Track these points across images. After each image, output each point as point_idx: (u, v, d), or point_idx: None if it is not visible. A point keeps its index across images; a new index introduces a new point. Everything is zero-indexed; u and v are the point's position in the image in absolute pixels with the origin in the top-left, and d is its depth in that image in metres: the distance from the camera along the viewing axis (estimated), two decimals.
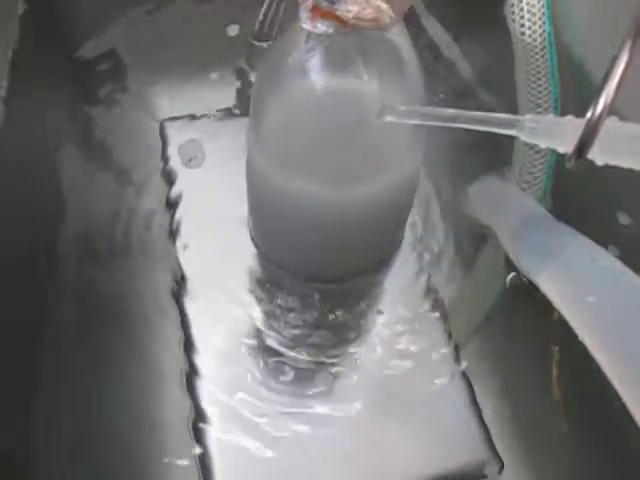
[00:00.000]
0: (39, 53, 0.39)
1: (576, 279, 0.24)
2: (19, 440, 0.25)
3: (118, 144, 0.36)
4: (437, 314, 0.30)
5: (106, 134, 0.37)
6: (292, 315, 0.30)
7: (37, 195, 0.33)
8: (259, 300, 0.30)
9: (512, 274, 0.32)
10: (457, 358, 0.29)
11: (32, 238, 0.31)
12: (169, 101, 0.38)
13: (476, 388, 0.28)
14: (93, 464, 0.26)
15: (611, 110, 0.18)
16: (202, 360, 0.28)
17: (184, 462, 0.26)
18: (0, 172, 0.31)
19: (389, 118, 0.23)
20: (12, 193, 0.32)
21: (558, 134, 0.20)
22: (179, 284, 0.30)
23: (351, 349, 0.29)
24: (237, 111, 0.37)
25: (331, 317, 0.30)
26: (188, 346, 0.29)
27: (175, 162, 0.35)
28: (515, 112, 0.33)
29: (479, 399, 0.28)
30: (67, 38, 0.41)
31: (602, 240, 0.24)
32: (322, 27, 0.22)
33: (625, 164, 0.20)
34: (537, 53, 0.31)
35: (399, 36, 0.24)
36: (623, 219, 0.31)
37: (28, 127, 0.35)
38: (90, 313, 0.30)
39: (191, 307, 0.30)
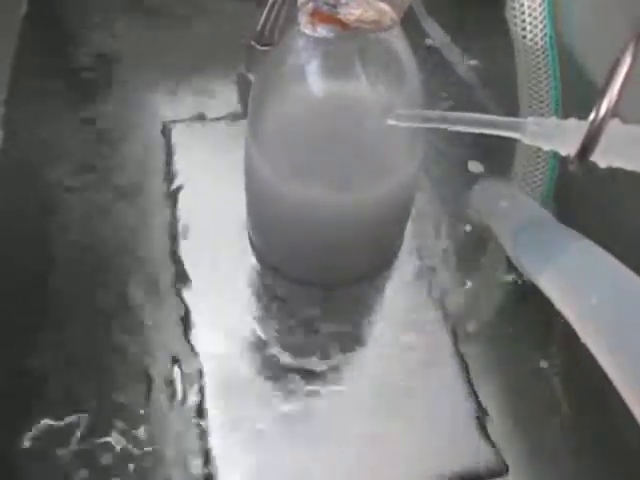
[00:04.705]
0: (40, 54, 0.39)
1: (577, 280, 0.24)
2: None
3: (119, 145, 0.36)
4: (438, 316, 0.30)
5: (107, 135, 0.37)
6: (291, 319, 0.30)
7: (36, 195, 0.33)
8: (258, 303, 0.30)
9: (513, 275, 0.32)
10: (459, 359, 0.29)
11: (30, 236, 0.32)
12: (170, 103, 0.39)
13: (478, 389, 0.28)
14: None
15: (614, 112, 0.18)
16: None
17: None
18: (0, 172, 0.31)
19: (390, 121, 0.23)
20: (12, 193, 0.32)
21: (561, 137, 0.20)
22: (179, 281, 0.31)
23: (352, 351, 0.29)
24: (238, 113, 0.38)
25: (331, 320, 0.30)
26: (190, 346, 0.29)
27: (177, 163, 0.35)
28: (517, 115, 0.33)
29: (481, 400, 0.28)
30: (68, 39, 0.41)
31: (604, 242, 0.24)
32: (323, 31, 0.22)
33: (628, 166, 0.20)
34: (538, 55, 0.31)
35: (397, 39, 0.24)
36: (624, 220, 0.31)
37: (28, 128, 0.35)
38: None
39: (191, 308, 0.30)
